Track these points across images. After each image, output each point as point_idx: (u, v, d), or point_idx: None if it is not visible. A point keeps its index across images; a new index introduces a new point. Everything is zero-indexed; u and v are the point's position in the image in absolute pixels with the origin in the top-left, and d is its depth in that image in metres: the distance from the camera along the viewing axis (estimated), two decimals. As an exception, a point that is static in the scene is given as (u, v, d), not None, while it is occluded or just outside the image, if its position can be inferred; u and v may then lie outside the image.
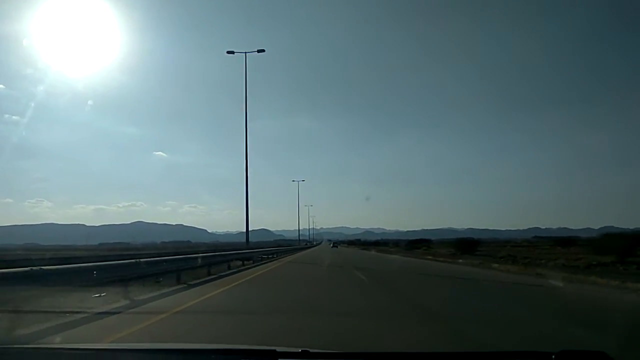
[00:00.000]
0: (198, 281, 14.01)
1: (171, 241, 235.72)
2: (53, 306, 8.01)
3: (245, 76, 29.06)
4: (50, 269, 7.88)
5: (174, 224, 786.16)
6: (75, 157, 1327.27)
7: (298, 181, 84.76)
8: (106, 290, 9.56)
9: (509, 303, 10.17)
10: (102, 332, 6.41)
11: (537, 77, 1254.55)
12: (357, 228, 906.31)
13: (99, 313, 7.72)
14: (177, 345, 3.41)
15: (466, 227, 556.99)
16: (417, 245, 74.77)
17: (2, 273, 6.85)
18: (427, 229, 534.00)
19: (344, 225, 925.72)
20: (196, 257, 15.67)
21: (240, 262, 23.56)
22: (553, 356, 1.92)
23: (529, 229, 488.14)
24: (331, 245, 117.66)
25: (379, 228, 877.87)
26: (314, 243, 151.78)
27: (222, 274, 17.28)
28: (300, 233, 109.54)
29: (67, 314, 7.33)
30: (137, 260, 10.77)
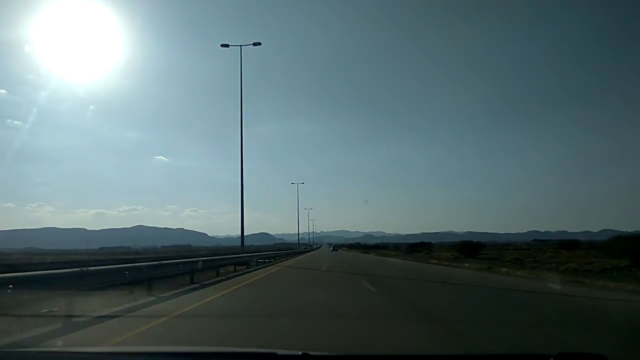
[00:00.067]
0: (174, 292, 12.12)
1: (171, 245, 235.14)
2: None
3: (240, 70, 28.27)
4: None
5: (174, 228, 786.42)
6: (77, 161, 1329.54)
7: (297, 184, 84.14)
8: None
9: (556, 322, 7.97)
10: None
11: (536, 80, 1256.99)
12: (356, 231, 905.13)
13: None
14: (178, 348, 3.33)
15: (465, 231, 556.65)
16: (417, 248, 73.68)
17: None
18: (426, 232, 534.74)
19: (343, 229, 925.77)
20: (177, 264, 13.87)
21: (233, 268, 21.97)
22: (551, 359, 1.93)
23: (528, 232, 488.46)
24: (331, 248, 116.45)
25: (378, 231, 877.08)
26: (314, 247, 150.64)
27: (205, 282, 15.09)
28: (300, 237, 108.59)
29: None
30: (84, 269, 8.53)
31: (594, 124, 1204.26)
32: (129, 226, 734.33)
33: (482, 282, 16.22)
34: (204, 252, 49.50)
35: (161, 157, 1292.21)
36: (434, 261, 35.59)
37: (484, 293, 12.90)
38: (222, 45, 27.26)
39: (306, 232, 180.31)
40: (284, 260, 39.25)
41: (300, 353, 2.18)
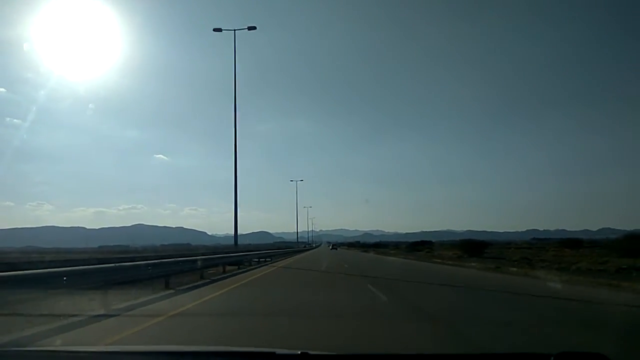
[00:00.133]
0: (146, 299, 10.14)
1: (171, 244, 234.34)
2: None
3: (234, 56, 26.74)
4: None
5: (174, 226, 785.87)
6: (76, 160, 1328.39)
7: (296, 181, 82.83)
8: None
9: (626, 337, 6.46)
10: None
11: (535, 79, 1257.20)
12: (356, 230, 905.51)
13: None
14: (176, 347, 3.29)
15: (465, 229, 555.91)
16: (418, 247, 72.48)
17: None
18: (426, 231, 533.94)
19: (343, 228, 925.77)
20: (145, 265, 11.65)
21: (222, 269, 20.04)
22: (552, 358, 1.89)
23: (527, 230, 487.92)
24: (330, 247, 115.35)
25: (377, 230, 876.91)
26: (313, 245, 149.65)
27: (186, 286, 13.11)
28: (299, 235, 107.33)
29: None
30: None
31: (593, 124, 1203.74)
32: (129, 225, 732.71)
33: (501, 285, 14.38)
34: (202, 251, 48.82)
35: (161, 155, 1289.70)
36: (438, 260, 34.36)
37: (519, 302, 10.62)
38: (215, 30, 25.87)
39: (305, 231, 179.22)
40: (280, 260, 37.72)
41: (299, 352, 2.17)
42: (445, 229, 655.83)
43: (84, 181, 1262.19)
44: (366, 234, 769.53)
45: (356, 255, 52.81)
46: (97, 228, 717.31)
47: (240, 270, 21.64)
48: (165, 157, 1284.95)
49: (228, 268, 20.87)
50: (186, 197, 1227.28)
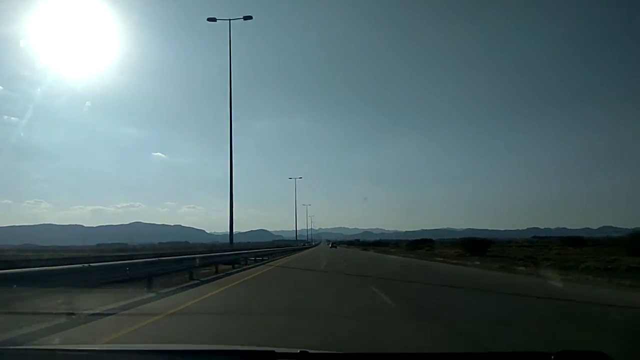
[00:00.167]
0: (100, 311, 8.12)
1: (169, 242, 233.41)
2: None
3: (229, 46, 25.80)
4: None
5: (172, 224, 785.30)
6: (74, 158, 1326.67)
7: (295, 178, 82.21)
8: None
9: None
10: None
11: (537, 77, 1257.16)
12: (355, 228, 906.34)
13: None
14: (175, 346, 3.24)
15: (465, 228, 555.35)
16: (419, 245, 71.66)
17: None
18: (425, 229, 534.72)
19: (342, 226, 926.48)
20: (122, 266, 10.31)
21: (215, 268, 18.87)
22: (552, 357, 1.88)
23: (528, 229, 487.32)
24: (330, 245, 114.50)
25: (377, 228, 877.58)
26: (313, 243, 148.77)
27: (165, 291, 11.32)
28: (298, 233, 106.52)
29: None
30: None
31: (594, 122, 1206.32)
32: (127, 223, 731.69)
33: (515, 286, 13.10)
34: (201, 249, 48.26)
35: (159, 153, 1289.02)
36: (440, 259, 33.53)
37: (544, 306, 9.57)
38: (209, 19, 25.01)
39: (304, 229, 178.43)
40: (278, 259, 36.72)
41: (298, 351, 2.16)
42: (444, 227, 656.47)
43: (81, 179, 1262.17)
44: (365, 232, 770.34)
45: (358, 254, 52.00)
46: (94, 226, 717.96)
47: (235, 270, 20.53)
48: (163, 155, 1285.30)
49: (222, 267, 19.88)
50: (184, 195, 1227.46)
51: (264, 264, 27.89)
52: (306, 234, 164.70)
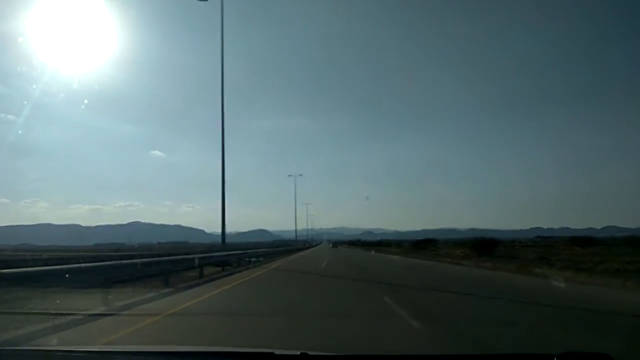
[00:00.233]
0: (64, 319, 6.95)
1: (168, 242, 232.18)
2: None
3: (221, 23, 24.21)
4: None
5: (171, 224, 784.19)
6: (72, 156, 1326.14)
7: (295, 176, 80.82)
8: None
9: None
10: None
11: (538, 77, 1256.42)
12: (356, 228, 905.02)
13: None
14: (174, 347, 3.29)
15: (468, 227, 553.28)
16: (422, 245, 70.27)
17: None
18: (427, 229, 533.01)
19: (343, 226, 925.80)
20: (110, 268, 9.34)
21: (199, 272, 16.53)
22: (555, 358, 1.88)
23: (531, 228, 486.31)
24: (330, 245, 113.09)
25: (378, 228, 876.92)
26: (313, 243, 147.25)
27: (140, 297, 9.72)
28: (298, 233, 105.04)
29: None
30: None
31: (597, 121, 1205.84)
32: (125, 222, 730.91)
33: (562, 297, 10.93)
34: (200, 249, 47.44)
35: (157, 152, 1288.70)
36: (447, 260, 32.07)
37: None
38: (200, -1, 23.39)
39: (305, 229, 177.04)
40: (275, 260, 34.92)
41: (298, 352, 2.16)
42: (447, 227, 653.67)
43: (79, 178, 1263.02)
44: (366, 232, 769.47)
45: (360, 255, 50.59)
46: (92, 225, 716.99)
47: (225, 274, 18.20)
48: (161, 154, 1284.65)
49: (209, 270, 18.18)
50: (183, 194, 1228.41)
51: (259, 266, 25.78)
52: (306, 234, 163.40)
